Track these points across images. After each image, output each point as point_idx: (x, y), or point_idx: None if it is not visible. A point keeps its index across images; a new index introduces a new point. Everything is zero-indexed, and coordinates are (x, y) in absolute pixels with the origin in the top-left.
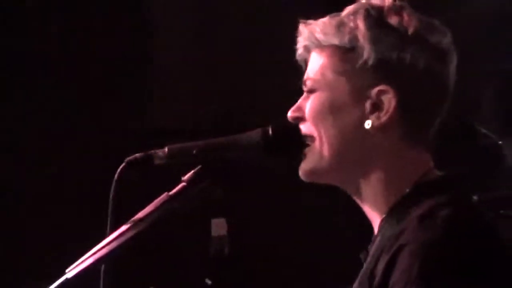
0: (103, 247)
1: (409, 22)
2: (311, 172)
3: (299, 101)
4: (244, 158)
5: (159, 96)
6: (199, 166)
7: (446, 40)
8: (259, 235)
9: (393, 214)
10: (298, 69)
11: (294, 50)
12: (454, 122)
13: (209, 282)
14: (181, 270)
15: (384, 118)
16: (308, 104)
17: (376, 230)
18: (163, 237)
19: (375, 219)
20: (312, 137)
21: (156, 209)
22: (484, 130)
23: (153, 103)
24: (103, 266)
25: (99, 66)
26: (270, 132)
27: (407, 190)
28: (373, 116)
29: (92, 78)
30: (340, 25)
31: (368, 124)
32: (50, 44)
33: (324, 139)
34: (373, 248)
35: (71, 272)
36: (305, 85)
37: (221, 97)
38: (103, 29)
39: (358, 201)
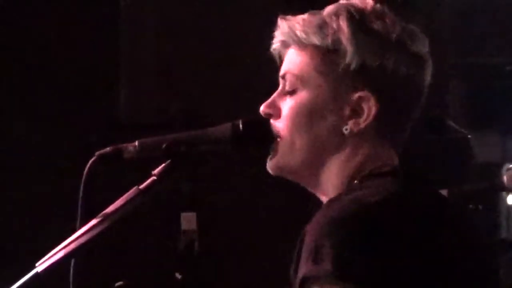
0: (73, 241)
1: (392, 28)
2: (280, 168)
3: (274, 96)
4: (214, 152)
5: (127, 91)
6: (169, 160)
7: (425, 48)
8: (229, 229)
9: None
10: (267, 64)
11: (263, 45)
12: (422, 115)
13: (179, 276)
14: (150, 265)
15: (363, 124)
16: (287, 104)
17: None
18: (133, 231)
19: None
20: (282, 134)
21: (126, 203)
22: (453, 124)
23: (121, 98)
24: (73, 260)
25: (67, 61)
26: (241, 126)
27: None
28: (351, 122)
29: (60, 73)
30: (322, 25)
31: (346, 129)
32: (18, 39)
33: (297, 139)
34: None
35: (40, 266)
36: (283, 78)
37: (189, 92)
38: (71, 24)
39: (317, 194)
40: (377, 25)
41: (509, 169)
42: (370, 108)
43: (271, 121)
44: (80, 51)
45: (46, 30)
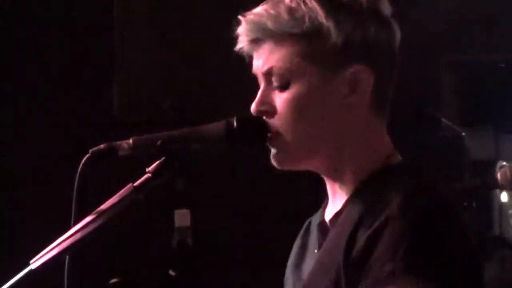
0: (67, 238)
1: None
2: (291, 161)
3: (262, 93)
4: (208, 149)
5: (121, 88)
6: (163, 157)
7: (388, 8)
8: (222, 226)
9: (362, 190)
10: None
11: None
12: (416, 113)
13: (172, 273)
14: (144, 261)
15: (362, 97)
16: (281, 98)
17: (339, 205)
18: (127, 228)
19: (341, 194)
20: (283, 129)
21: (121, 200)
22: (447, 122)
23: (115, 95)
24: (67, 257)
25: (61, 58)
26: (235, 123)
27: (375, 168)
28: (351, 98)
29: (54, 71)
30: (292, 12)
31: (348, 106)
32: (13, 36)
33: (301, 130)
34: (338, 222)
35: (35, 263)
36: (268, 76)
37: (183, 89)
38: (66, 23)
39: (329, 180)
40: None
41: (502, 166)
42: (367, 79)
43: (265, 118)
44: (73, 48)
45: (40, 27)
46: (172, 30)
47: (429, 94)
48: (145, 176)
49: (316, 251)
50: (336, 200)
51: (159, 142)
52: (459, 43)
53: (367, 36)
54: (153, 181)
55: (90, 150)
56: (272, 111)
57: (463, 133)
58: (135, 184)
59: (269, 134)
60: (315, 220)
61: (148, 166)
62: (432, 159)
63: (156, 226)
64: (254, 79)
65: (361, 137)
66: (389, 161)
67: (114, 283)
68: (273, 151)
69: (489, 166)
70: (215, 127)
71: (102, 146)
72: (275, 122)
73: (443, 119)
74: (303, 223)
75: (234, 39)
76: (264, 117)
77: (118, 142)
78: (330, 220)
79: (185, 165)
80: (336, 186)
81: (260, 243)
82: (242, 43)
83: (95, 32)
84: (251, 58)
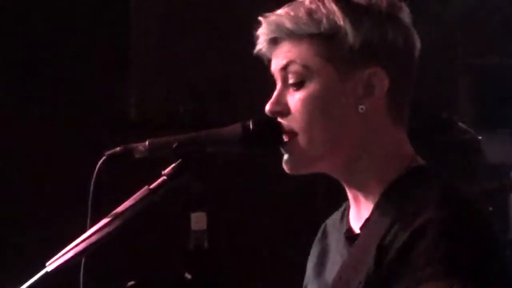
0: (83, 240)
1: (377, 2)
2: (303, 165)
3: (277, 93)
4: (224, 152)
5: (137, 91)
6: (179, 160)
7: (409, 18)
8: (239, 230)
9: (391, 194)
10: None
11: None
12: (432, 117)
13: (188, 276)
14: (160, 264)
15: (377, 100)
16: (296, 97)
17: (366, 212)
18: (143, 231)
19: (366, 200)
20: (298, 129)
21: (137, 202)
22: (462, 125)
23: (131, 98)
24: (83, 260)
25: (77, 60)
26: (251, 126)
27: (400, 172)
28: (366, 100)
29: (70, 73)
30: (311, 13)
31: (361, 108)
32: (28, 36)
33: (316, 130)
34: (368, 227)
35: (51, 265)
36: (285, 73)
37: (199, 92)
38: (81, 24)
39: (348, 185)
40: (361, 1)
41: None
42: (382, 81)
43: (279, 119)
44: (90, 50)
45: (57, 29)
46: (188, 33)
47: (445, 97)
48: (161, 178)
49: (342, 258)
50: (360, 206)
51: (175, 145)
52: (476, 46)
53: (384, 39)
54: (169, 183)
55: (106, 153)
56: (286, 111)
57: (479, 137)
58: (151, 186)
59: (284, 138)
60: (331, 224)
61: (164, 169)
62: (448, 163)
63: (172, 229)
64: (269, 82)
65: (380, 141)
66: (413, 164)
67: (131, 286)
68: (285, 156)
69: (506, 169)
70: (232, 130)
71: (118, 148)
72: (289, 122)
73: (459, 123)
74: (320, 227)
75: (250, 42)
76: (278, 119)
77: (134, 145)
78: (361, 227)
79: (201, 168)
80: (359, 193)
81: (276, 247)
82: (261, 44)
83: (111, 34)
84: (269, 61)
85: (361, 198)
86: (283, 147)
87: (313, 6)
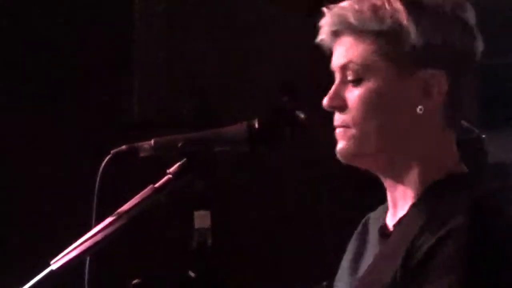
0: (88, 239)
1: (444, 1)
2: (355, 156)
3: (335, 88)
4: (229, 151)
5: (141, 89)
6: (184, 159)
7: (473, 15)
8: (242, 228)
9: (427, 198)
10: (276, 63)
11: (274, 44)
12: None
13: (192, 274)
14: (164, 262)
15: (434, 102)
16: (354, 93)
17: (402, 211)
18: (147, 229)
19: (404, 200)
20: (354, 124)
21: (141, 201)
22: (467, 124)
23: (135, 97)
24: (88, 258)
25: (80, 60)
26: (257, 125)
27: (441, 177)
28: (423, 101)
29: (74, 72)
30: (375, 9)
31: (420, 109)
32: (31, 36)
33: (371, 126)
34: (401, 227)
35: (55, 263)
36: (344, 70)
37: (203, 91)
38: (84, 23)
39: (389, 183)
40: (428, 1)
41: None
42: (441, 84)
43: (336, 113)
44: (93, 49)
45: (59, 27)
46: (193, 31)
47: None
48: (166, 177)
49: (375, 254)
50: (398, 205)
51: (180, 144)
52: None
53: (447, 41)
54: (174, 182)
55: (112, 151)
56: (344, 106)
57: (483, 135)
58: (156, 185)
59: (337, 128)
60: (373, 219)
61: (169, 168)
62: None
63: (175, 227)
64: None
65: (430, 142)
66: (455, 170)
67: (136, 284)
68: (339, 144)
69: (510, 169)
70: (237, 129)
71: (123, 147)
72: (346, 117)
73: (462, 121)
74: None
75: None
76: (336, 113)
77: (139, 143)
78: (394, 225)
79: (206, 167)
80: (399, 191)
81: (280, 244)
82: (323, 34)
83: (115, 33)
84: (330, 52)
85: (399, 197)
86: (337, 136)
87: (378, 2)
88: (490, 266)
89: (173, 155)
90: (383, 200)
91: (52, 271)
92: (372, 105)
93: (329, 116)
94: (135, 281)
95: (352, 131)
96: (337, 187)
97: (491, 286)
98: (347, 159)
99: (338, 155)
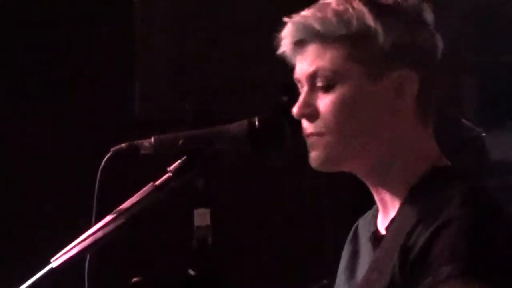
0: (88, 237)
1: (405, 3)
2: (332, 163)
3: (305, 96)
4: (230, 149)
5: (142, 87)
6: (184, 157)
7: (431, 14)
8: (242, 225)
9: (416, 195)
10: (280, 61)
11: (273, 45)
12: (439, 115)
13: (192, 272)
14: (164, 261)
15: (407, 102)
16: (326, 101)
17: (393, 212)
18: (147, 227)
19: (393, 201)
20: (326, 131)
21: (142, 199)
22: (468, 123)
23: (135, 94)
24: (88, 256)
25: (81, 58)
26: (257, 123)
27: (426, 172)
28: (396, 102)
29: (75, 71)
30: (339, 14)
31: (392, 110)
32: (33, 34)
33: (345, 131)
34: (393, 227)
35: (56, 261)
36: (313, 78)
37: (203, 89)
38: (85, 21)
39: (375, 187)
40: (389, 2)
41: None
42: (412, 83)
43: (307, 122)
44: (94, 47)
45: (61, 26)
46: (194, 30)
47: (450, 94)
48: (166, 175)
49: (370, 258)
50: (387, 207)
51: (180, 142)
52: (481, 43)
53: (414, 41)
54: (174, 180)
55: (112, 149)
56: (315, 114)
57: (484, 134)
58: (156, 183)
59: (309, 137)
60: (362, 225)
61: (170, 166)
62: (452, 160)
63: (176, 225)
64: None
65: (407, 142)
66: (438, 164)
67: (136, 282)
68: (313, 152)
69: (511, 167)
70: (237, 127)
71: (123, 145)
72: (318, 124)
73: (463, 120)
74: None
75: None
76: (306, 122)
77: (139, 141)
78: (386, 228)
79: (206, 165)
80: (386, 194)
81: (280, 242)
82: (286, 46)
83: (116, 31)
84: (292, 64)
85: (387, 199)
86: (309, 145)
87: (341, 8)
88: (487, 254)
89: (173, 153)
90: None
91: (52, 269)
92: (346, 110)
93: None
94: (135, 279)
95: (327, 138)
96: (338, 186)
97: (489, 274)
98: (325, 167)
99: (313, 165)
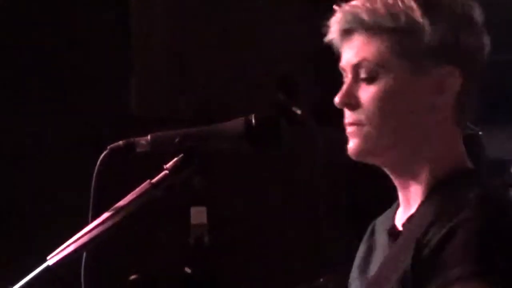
0: (85, 234)
1: (453, 2)
2: (366, 152)
3: (348, 86)
4: (226, 147)
5: (139, 85)
6: (181, 155)
7: (480, 14)
8: (238, 224)
9: (436, 194)
10: (279, 59)
11: (271, 41)
12: None
13: (188, 270)
14: (161, 258)
15: (447, 99)
16: (368, 92)
17: (412, 210)
18: (144, 224)
19: (415, 198)
20: (367, 121)
21: (138, 196)
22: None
23: (132, 91)
24: (84, 254)
25: (78, 54)
26: (253, 121)
27: (449, 173)
28: (436, 98)
29: (72, 68)
30: (388, 7)
31: (432, 106)
32: (30, 31)
33: (385, 124)
34: (410, 225)
35: (52, 259)
36: (357, 68)
37: (200, 86)
38: (82, 18)
39: (401, 180)
40: (440, 0)
41: None
42: (454, 81)
43: (348, 111)
44: (91, 44)
45: (58, 22)
46: (191, 27)
47: None
48: (163, 173)
49: (385, 253)
50: (409, 203)
51: (177, 139)
52: None
53: (460, 39)
54: (170, 178)
55: (109, 147)
56: (356, 104)
57: (480, 132)
58: (153, 181)
59: (349, 126)
60: (380, 222)
61: (166, 163)
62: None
63: (172, 223)
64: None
65: (440, 139)
66: (462, 167)
67: (133, 279)
68: (352, 142)
69: (507, 164)
70: (234, 125)
71: (120, 142)
72: (359, 115)
73: None
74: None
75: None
76: (347, 111)
77: (136, 139)
78: (403, 224)
79: (203, 163)
80: (409, 190)
81: (276, 240)
82: (334, 34)
83: (113, 28)
84: (338, 52)
85: (410, 195)
86: (349, 134)
87: (390, 1)
88: (499, 257)
89: (170, 151)
90: (377, 198)
91: (48, 267)
92: (387, 103)
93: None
94: (132, 277)
95: (367, 128)
96: (335, 185)
97: (500, 277)
98: (360, 157)
99: (350, 153)
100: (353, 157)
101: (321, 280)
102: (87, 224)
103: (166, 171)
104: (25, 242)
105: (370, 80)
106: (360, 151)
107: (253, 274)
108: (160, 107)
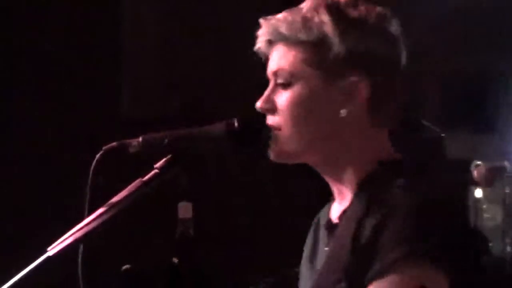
0: (82, 228)
1: (368, 14)
2: (285, 154)
3: (268, 92)
4: (211, 148)
5: (130, 87)
6: (170, 155)
7: (398, 29)
8: (222, 218)
9: (365, 188)
10: (264, 62)
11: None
12: (403, 116)
13: (175, 261)
14: (149, 250)
15: (358, 106)
16: (283, 97)
17: (345, 203)
18: (134, 219)
19: (346, 194)
20: (282, 126)
21: (130, 193)
22: (428, 124)
23: (123, 94)
24: (81, 246)
25: (69, 56)
26: (236, 123)
27: (376, 166)
28: (347, 105)
29: (63, 69)
30: (305, 21)
31: (343, 112)
32: (21, 34)
33: (297, 128)
34: (345, 217)
35: (52, 250)
36: (275, 76)
37: (191, 88)
38: (73, 20)
39: (328, 179)
40: (353, 14)
41: (477, 165)
42: (363, 89)
43: (268, 116)
44: (82, 46)
45: (48, 25)
46: (182, 27)
47: (412, 98)
48: (153, 172)
49: (325, 248)
50: (341, 198)
51: (166, 141)
52: (440, 50)
53: (368, 50)
54: (160, 176)
55: (103, 147)
56: (274, 109)
57: (443, 135)
58: (144, 179)
59: (271, 132)
60: (323, 217)
61: (156, 163)
62: (414, 158)
63: (160, 218)
64: (261, 80)
65: (359, 141)
66: (388, 160)
67: (126, 269)
68: (271, 145)
69: (465, 165)
70: (217, 127)
71: (114, 143)
72: (276, 119)
73: (423, 121)
74: (303, 217)
75: (244, 39)
76: (268, 116)
77: (128, 140)
78: (339, 217)
79: (190, 163)
80: (338, 186)
81: (258, 233)
82: (260, 43)
83: (104, 30)
84: (266, 59)
85: (341, 190)
86: (269, 138)
87: (309, 15)
88: (435, 237)
89: (160, 151)
90: None
91: (49, 257)
92: (298, 109)
93: None
94: (125, 267)
95: (281, 132)
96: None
97: (434, 253)
98: (279, 159)
99: (270, 156)
100: (273, 160)
101: (296, 270)
102: (83, 218)
103: (156, 170)
104: (26, 238)
105: (285, 86)
106: (278, 154)
107: (235, 265)
108: (151, 108)
